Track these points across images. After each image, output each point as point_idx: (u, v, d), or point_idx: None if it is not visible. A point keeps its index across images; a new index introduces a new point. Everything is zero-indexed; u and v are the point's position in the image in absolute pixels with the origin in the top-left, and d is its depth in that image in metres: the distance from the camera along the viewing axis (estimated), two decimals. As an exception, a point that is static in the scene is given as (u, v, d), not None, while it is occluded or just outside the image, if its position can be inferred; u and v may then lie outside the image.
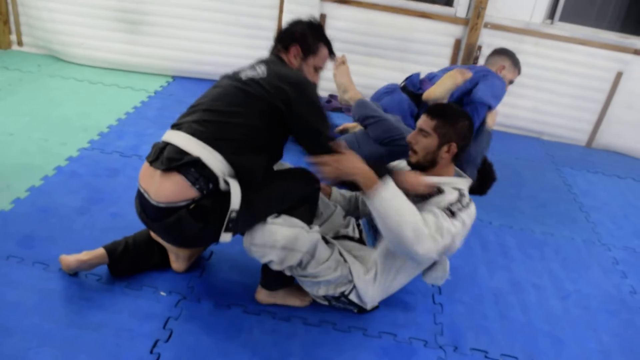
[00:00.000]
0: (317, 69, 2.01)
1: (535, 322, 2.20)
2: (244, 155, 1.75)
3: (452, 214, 1.78)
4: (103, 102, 3.62)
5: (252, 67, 1.87)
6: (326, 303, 2.04)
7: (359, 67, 4.10)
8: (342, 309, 2.06)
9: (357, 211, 2.31)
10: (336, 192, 2.31)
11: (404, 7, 3.92)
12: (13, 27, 4.24)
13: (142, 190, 1.78)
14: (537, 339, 2.11)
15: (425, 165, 1.96)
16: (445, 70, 3.04)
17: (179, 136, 1.75)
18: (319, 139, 1.79)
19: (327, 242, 1.93)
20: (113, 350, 1.77)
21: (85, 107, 3.49)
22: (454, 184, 1.92)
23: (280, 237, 1.74)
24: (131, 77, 4.07)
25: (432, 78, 3.06)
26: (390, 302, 2.14)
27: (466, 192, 1.92)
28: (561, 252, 2.71)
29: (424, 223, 1.70)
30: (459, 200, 1.84)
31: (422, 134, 1.93)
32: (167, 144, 1.76)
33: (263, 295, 2.02)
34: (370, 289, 1.94)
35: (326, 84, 4.23)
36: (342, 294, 1.94)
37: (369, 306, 2.01)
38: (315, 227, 1.84)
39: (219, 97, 1.82)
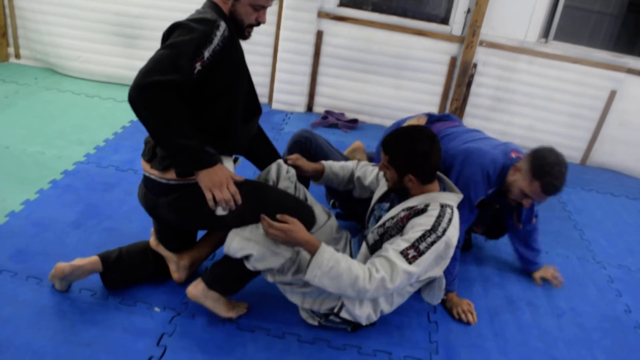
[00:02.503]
0: (256, 7, 1.80)
1: (530, 341, 2.19)
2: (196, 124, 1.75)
3: (417, 253, 1.73)
4: (100, 115, 3.62)
5: None
6: (316, 323, 2.03)
7: (355, 83, 4.14)
8: (334, 328, 2.04)
9: (352, 183, 2.28)
10: (329, 170, 2.24)
11: (400, 25, 3.96)
12: (11, 40, 4.25)
13: (147, 175, 1.87)
14: (532, 357, 2.11)
15: (399, 192, 1.95)
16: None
17: None
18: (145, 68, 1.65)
19: None
20: (106, 367, 1.76)
21: (81, 120, 3.50)
22: (440, 200, 1.86)
23: (266, 238, 1.79)
24: (128, 90, 4.07)
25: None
26: (385, 320, 2.13)
27: (451, 208, 1.85)
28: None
29: (369, 277, 1.70)
30: (433, 229, 1.77)
31: (385, 167, 1.91)
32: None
33: (197, 290, 1.94)
34: (358, 309, 1.91)
35: (322, 100, 4.26)
36: (331, 311, 1.92)
37: (364, 322, 1.98)
38: None
39: None
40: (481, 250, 2.77)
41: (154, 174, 1.84)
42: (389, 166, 1.88)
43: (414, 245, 1.75)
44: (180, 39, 1.62)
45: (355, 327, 2.04)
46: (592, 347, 2.22)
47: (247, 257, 1.82)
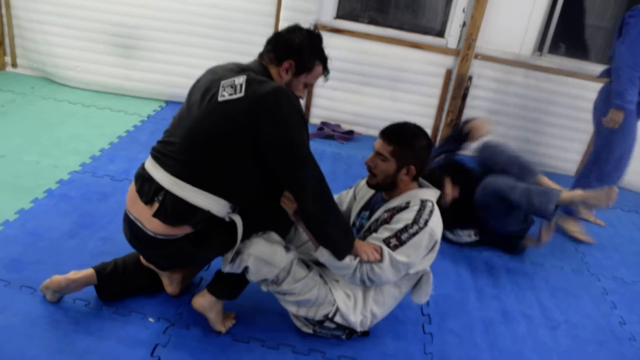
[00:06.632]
0: (307, 86, 1.91)
1: (525, 352, 2.19)
2: (245, 193, 1.75)
3: (398, 242, 1.79)
4: (96, 125, 3.62)
5: (231, 82, 1.67)
6: (310, 331, 2.02)
7: (351, 95, 4.16)
8: (329, 336, 2.04)
9: None
10: None
11: (397, 38, 3.99)
12: (8, 49, 4.26)
13: (132, 218, 1.76)
14: (527, 369, 2.11)
15: (385, 188, 1.96)
16: None
17: (176, 185, 1.67)
18: (298, 163, 1.66)
19: (307, 265, 1.94)
20: (99, 377, 1.75)
21: (77, 130, 3.50)
22: (420, 196, 1.90)
23: (259, 250, 1.79)
24: (124, 101, 4.09)
25: None
26: (380, 331, 2.13)
27: (431, 202, 1.88)
28: (551, 282, 2.72)
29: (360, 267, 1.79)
30: (415, 221, 1.80)
31: (380, 158, 1.90)
32: (163, 189, 1.68)
33: (204, 301, 1.94)
34: (352, 315, 1.93)
35: (318, 111, 4.28)
36: (326, 317, 1.92)
37: (358, 328, 1.98)
38: (293, 248, 1.89)
39: (199, 128, 1.67)
40: (475, 261, 2.77)
41: (141, 221, 1.72)
42: (390, 157, 1.88)
43: (396, 235, 1.79)
44: (300, 141, 1.68)
45: (350, 334, 2.03)
46: (586, 358, 2.22)
47: (245, 269, 1.83)
